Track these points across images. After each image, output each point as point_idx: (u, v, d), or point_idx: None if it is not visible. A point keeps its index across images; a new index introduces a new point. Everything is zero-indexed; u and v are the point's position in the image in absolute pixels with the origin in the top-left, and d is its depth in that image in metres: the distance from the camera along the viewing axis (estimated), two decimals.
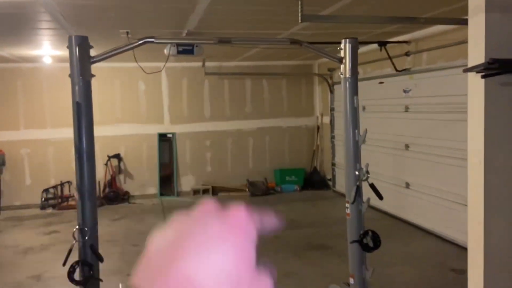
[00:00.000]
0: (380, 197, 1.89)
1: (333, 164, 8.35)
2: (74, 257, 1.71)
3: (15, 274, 4.51)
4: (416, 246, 5.03)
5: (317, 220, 6.42)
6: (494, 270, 2.37)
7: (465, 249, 2.56)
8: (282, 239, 5.48)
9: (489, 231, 2.34)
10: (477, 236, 2.39)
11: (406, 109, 5.84)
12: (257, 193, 8.25)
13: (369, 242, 1.91)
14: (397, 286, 3.88)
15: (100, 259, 1.68)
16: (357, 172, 1.94)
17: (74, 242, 1.68)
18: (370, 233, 1.92)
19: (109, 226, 6.34)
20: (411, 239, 5.31)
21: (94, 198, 1.69)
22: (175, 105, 8.48)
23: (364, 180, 1.94)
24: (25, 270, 4.63)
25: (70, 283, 4.13)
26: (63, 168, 7.77)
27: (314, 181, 8.69)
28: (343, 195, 7.25)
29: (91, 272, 1.65)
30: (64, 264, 1.65)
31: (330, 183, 8.47)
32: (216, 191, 8.50)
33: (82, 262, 1.65)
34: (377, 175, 5.79)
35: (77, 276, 1.66)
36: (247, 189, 8.38)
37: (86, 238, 1.66)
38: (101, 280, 1.70)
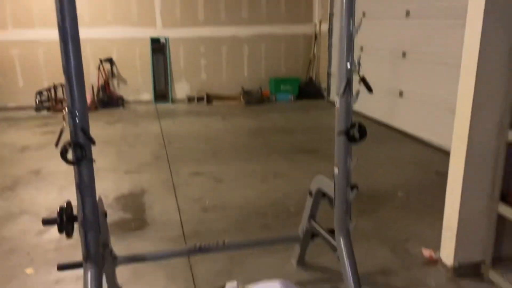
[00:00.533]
0: (370, 90, 1.89)
1: (329, 74, 8.27)
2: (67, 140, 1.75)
3: (14, 169, 4.67)
4: (403, 152, 5.19)
5: (309, 128, 6.53)
6: (475, 167, 2.47)
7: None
8: (274, 144, 5.62)
9: (474, 128, 2.40)
10: (462, 132, 2.45)
11: (407, 14, 5.62)
12: (252, 101, 8.27)
13: (355, 133, 1.96)
14: (381, 186, 4.07)
15: (92, 141, 1.72)
16: (348, 65, 1.92)
17: (64, 125, 1.71)
18: (356, 125, 1.96)
19: (104, 128, 6.43)
20: (399, 145, 5.47)
21: (82, 81, 1.67)
22: (168, 8, 8.10)
23: (355, 73, 1.93)
24: (24, 166, 4.78)
25: (68, 178, 4.29)
26: (55, 70, 7.65)
27: (309, 90, 8.67)
28: None
29: (84, 153, 1.70)
30: (56, 145, 1.69)
31: (325, 93, 8.46)
32: (211, 99, 8.50)
33: (74, 144, 1.69)
34: (372, 83, 5.76)
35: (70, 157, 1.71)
36: (241, 98, 8.38)
37: (77, 120, 1.68)
38: (94, 161, 1.76)
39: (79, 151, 1.69)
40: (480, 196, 2.50)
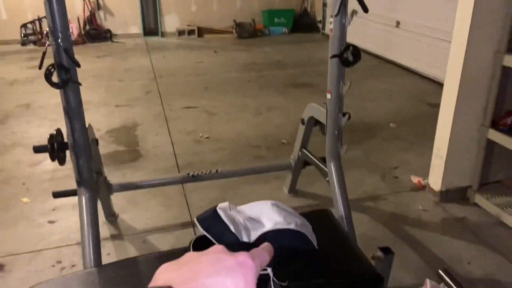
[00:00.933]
0: (365, 9, 1.81)
1: (324, 5, 7.96)
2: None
3: (4, 103, 4.59)
4: (397, 84, 5.15)
5: (303, 61, 6.41)
6: (466, 100, 2.45)
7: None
8: (266, 78, 5.53)
9: (470, 55, 2.35)
10: (457, 59, 2.41)
11: None
12: (244, 35, 8.03)
13: (349, 56, 1.91)
14: (373, 118, 4.08)
15: (76, 63, 1.66)
16: None
17: (46, 44, 1.64)
18: (350, 47, 1.90)
19: (93, 63, 6.26)
20: (394, 78, 5.41)
21: (63, 1, 1.58)
22: None
23: None
24: (13, 99, 4.70)
25: (58, 111, 4.23)
26: (39, 1, 7.29)
27: (304, 23, 8.40)
28: None
29: (69, 76, 1.65)
30: (40, 68, 1.64)
31: (320, 25, 8.20)
32: (202, 32, 8.23)
33: (58, 66, 1.64)
34: (368, 15, 5.57)
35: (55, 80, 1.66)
36: (233, 31, 8.12)
37: (59, 41, 1.61)
38: (80, 84, 1.71)
39: (63, 73, 1.64)
40: (471, 122, 2.51)
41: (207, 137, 3.75)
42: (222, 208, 1.38)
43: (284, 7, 8.49)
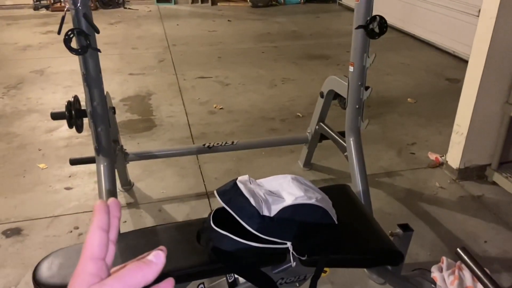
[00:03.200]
0: None
1: None
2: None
3: (18, 68, 4.58)
4: (416, 58, 5.02)
5: (319, 32, 6.26)
6: (491, 77, 2.37)
7: (466, 61, 2.53)
8: (281, 49, 5.43)
9: (498, 30, 2.26)
10: (486, 33, 2.32)
11: None
12: (259, 3, 7.83)
13: (375, 27, 1.84)
14: (391, 92, 4.00)
15: (96, 29, 1.62)
16: None
17: (65, 9, 1.60)
18: (377, 18, 1.83)
19: (106, 29, 6.18)
20: (413, 51, 5.27)
21: None
22: None
23: None
24: (27, 65, 4.68)
25: (73, 77, 4.22)
26: None
27: None
28: (349, 8, 6.95)
29: (88, 42, 1.62)
30: (59, 33, 1.60)
31: None
32: (216, 0, 8.04)
33: (78, 32, 1.60)
34: None
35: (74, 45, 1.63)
36: None
37: (78, 6, 1.57)
38: (99, 51, 1.68)
39: (83, 39, 1.61)
40: (495, 99, 2.44)
41: (221, 108, 3.72)
42: (242, 181, 1.37)
43: None
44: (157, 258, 0.39)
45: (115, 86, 4.12)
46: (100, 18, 6.79)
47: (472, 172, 2.63)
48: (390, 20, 6.11)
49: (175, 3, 8.03)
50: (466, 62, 2.53)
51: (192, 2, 8.08)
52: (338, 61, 4.85)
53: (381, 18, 1.83)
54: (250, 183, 1.46)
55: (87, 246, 0.39)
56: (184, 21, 6.86)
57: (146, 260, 0.39)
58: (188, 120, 3.49)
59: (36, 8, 7.21)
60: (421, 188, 2.58)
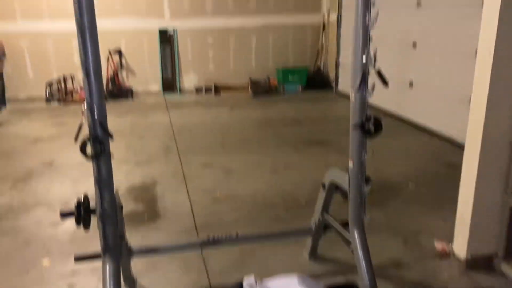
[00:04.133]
0: (385, 83, 1.88)
1: (338, 64, 8.22)
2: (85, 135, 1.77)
3: (27, 161, 4.72)
4: (414, 143, 5.17)
5: (318, 119, 6.52)
6: (490, 160, 2.46)
7: (463, 147, 2.64)
8: (282, 135, 5.62)
9: (489, 121, 2.38)
10: (477, 126, 2.44)
11: (418, 4, 5.56)
12: (260, 92, 8.26)
13: (370, 127, 1.96)
14: (391, 178, 4.07)
15: (110, 135, 1.74)
16: (364, 58, 1.91)
17: (83, 119, 1.73)
18: (372, 118, 1.96)
19: (114, 121, 6.45)
20: (410, 136, 5.45)
21: (100, 77, 1.69)
22: None
23: (371, 67, 1.92)
24: (36, 157, 4.83)
25: (81, 169, 4.32)
26: (64, 61, 7.70)
27: (317, 81, 8.63)
28: (346, 96, 7.26)
29: (102, 148, 1.72)
30: (75, 140, 1.71)
31: (333, 83, 8.41)
32: (219, 89, 8.49)
33: (93, 138, 1.71)
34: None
35: (89, 151, 1.73)
36: (249, 88, 8.37)
37: (95, 115, 1.70)
38: (112, 156, 1.78)
39: (98, 146, 1.71)
40: (493, 189, 2.50)
41: (225, 196, 3.77)
42: (249, 284, 1.38)
43: (298, 65, 8.78)
44: None
45: (121, 176, 4.21)
46: (109, 110, 6.99)
47: (480, 262, 2.60)
48: (385, 106, 6.41)
49: (181, 93, 8.47)
50: (463, 147, 2.63)
51: (197, 92, 8.52)
52: (338, 146, 5.00)
53: (376, 118, 1.95)
54: (256, 285, 1.46)
55: None
56: (189, 110, 7.18)
57: None
58: (192, 209, 3.52)
59: (48, 100, 7.60)
60: (429, 280, 2.54)
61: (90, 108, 1.69)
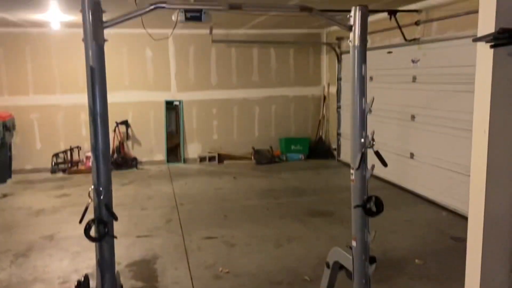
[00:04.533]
0: (384, 164, 1.94)
1: (338, 134, 8.39)
2: (89, 215, 1.80)
3: (29, 234, 4.69)
4: (417, 215, 5.13)
5: (321, 188, 6.53)
6: (494, 239, 2.44)
7: (466, 218, 2.63)
8: (285, 205, 5.61)
9: (490, 200, 2.40)
10: (478, 205, 2.45)
11: (414, 79, 5.81)
12: (263, 161, 8.35)
13: (372, 207, 1.98)
14: (397, 252, 4.00)
15: (115, 217, 1.77)
16: (362, 140, 1.98)
17: (89, 201, 1.76)
18: (373, 198, 1.99)
19: (118, 190, 6.49)
20: (413, 207, 5.41)
21: (108, 160, 1.75)
22: (182, 73, 8.46)
23: (369, 148, 1.99)
24: (38, 230, 4.80)
25: (81, 243, 4.27)
26: (72, 133, 7.91)
27: (319, 150, 8.76)
28: (347, 165, 7.31)
29: (106, 230, 1.74)
30: (80, 222, 1.74)
31: (335, 152, 8.53)
32: (222, 158, 8.60)
33: (98, 220, 1.74)
34: (382, 145, 5.81)
35: (93, 233, 1.74)
36: (252, 157, 8.48)
37: (101, 197, 1.74)
38: (115, 237, 1.79)
39: (102, 228, 1.74)
40: (500, 267, 2.45)
41: (227, 272, 3.69)
42: None
43: (299, 135, 8.97)
44: None
45: (122, 250, 4.15)
46: (113, 179, 7.13)
47: None
48: (386, 176, 6.44)
49: (185, 162, 8.58)
50: (467, 219, 2.61)
51: (201, 161, 8.62)
52: (342, 217, 4.96)
53: (377, 198, 1.98)
54: None
55: None
56: (192, 179, 7.23)
57: None
58: (193, 287, 3.43)
59: (53, 171, 7.70)
60: None
61: (97, 191, 1.73)
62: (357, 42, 1.97)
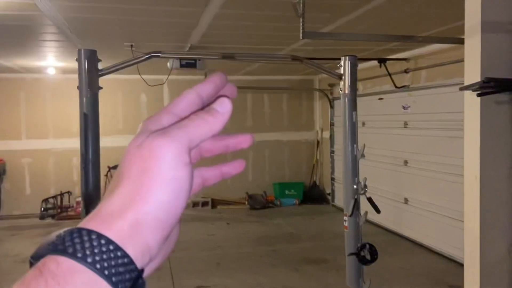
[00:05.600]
0: (377, 211, 1.93)
1: (332, 179, 8.38)
2: None
3: (14, 282, 4.50)
4: (413, 262, 5.03)
5: (315, 234, 6.43)
6: (490, 285, 2.39)
7: (463, 265, 2.59)
8: (280, 252, 5.49)
9: (485, 246, 2.37)
10: (473, 251, 2.42)
11: (405, 125, 5.90)
12: (257, 206, 8.27)
13: (366, 255, 1.94)
14: None
15: None
16: (355, 186, 1.98)
17: None
18: (367, 246, 1.95)
19: None
20: (408, 254, 5.32)
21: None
22: None
23: (362, 194, 1.98)
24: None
25: None
26: (63, 178, 7.82)
27: (313, 195, 8.71)
28: (342, 210, 7.25)
29: None
30: None
31: (329, 197, 8.48)
32: (216, 203, 8.51)
33: None
34: (376, 190, 5.82)
35: None
36: (246, 202, 8.40)
37: None
38: None
39: None
40: None
41: None
42: None
43: (294, 179, 8.94)
44: (222, 107, 0.37)
45: None
46: None
47: None
48: (381, 222, 6.38)
49: None
50: (463, 266, 2.56)
51: (193, 206, 8.51)
52: (337, 265, 4.84)
53: (371, 245, 1.95)
54: None
55: (173, 102, 0.38)
56: (184, 225, 6.97)
57: (211, 111, 0.37)
58: None
59: (42, 217, 7.53)
60: None
61: None
62: (347, 91, 2.02)
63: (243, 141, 0.45)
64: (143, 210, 0.33)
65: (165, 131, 0.36)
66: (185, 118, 0.37)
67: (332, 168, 8.38)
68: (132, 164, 0.35)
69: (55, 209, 7.66)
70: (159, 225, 0.34)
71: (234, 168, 0.45)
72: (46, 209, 7.62)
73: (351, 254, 1.97)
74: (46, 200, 7.67)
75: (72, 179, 7.87)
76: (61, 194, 7.75)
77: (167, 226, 0.34)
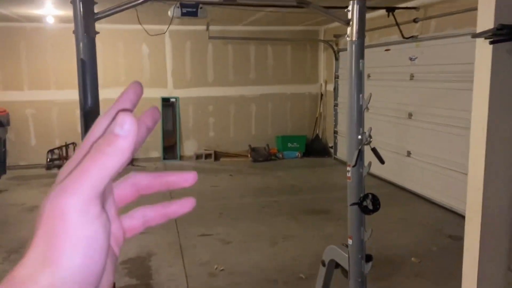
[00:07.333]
0: (381, 161, 1.91)
1: (335, 132, 8.37)
2: None
3: (22, 231, 4.64)
4: (414, 213, 5.11)
5: (317, 186, 6.50)
6: (491, 237, 2.42)
7: (463, 217, 2.61)
8: (281, 203, 5.58)
9: (488, 198, 2.38)
10: (476, 203, 2.43)
11: (411, 77, 5.78)
12: (259, 159, 8.32)
13: (368, 204, 1.95)
14: (394, 250, 3.97)
15: None
16: (359, 137, 1.95)
17: None
18: (370, 196, 1.96)
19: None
20: (410, 206, 5.39)
21: None
22: (179, 69, 8.41)
23: (366, 144, 1.96)
24: (31, 227, 4.74)
25: None
26: (67, 129, 7.83)
27: (316, 148, 8.73)
28: (344, 163, 7.32)
29: None
30: None
31: (332, 150, 8.51)
32: (219, 156, 8.56)
33: None
34: (379, 143, 5.78)
35: None
36: (249, 155, 8.44)
37: None
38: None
39: None
40: (497, 266, 2.43)
41: (222, 269, 3.66)
42: None
43: (296, 133, 8.93)
44: (123, 129, 0.30)
45: None
46: None
47: None
48: (383, 175, 6.42)
49: (181, 159, 8.53)
50: (464, 217, 2.59)
51: (197, 158, 8.58)
52: (338, 215, 4.93)
53: (374, 195, 1.95)
54: None
55: (91, 128, 0.34)
56: None
57: (110, 137, 0.30)
58: (187, 284, 3.40)
59: (48, 167, 7.63)
60: None
61: None
62: (354, 37, 1.94)
63: (186, 179, 0.40)
64: (57, 275, 0.30)
65: (63, 185, 0.31)
66: (87, 154, 0.31)
67: (336, 121, 8.33)
68: (42, 221, 0.32)
69: (60, 159, 7.74)
70: (78, 286, 0.30)
71: (181, 206, 0.41)
72: (52, 160, 7.70)
73: (353, 204, 1.98)
74: (51, 151, 7.73)
75: (76, 130, 7.87)
76: (66, 145, 7.79)
77: (88, 286, 0.31)
